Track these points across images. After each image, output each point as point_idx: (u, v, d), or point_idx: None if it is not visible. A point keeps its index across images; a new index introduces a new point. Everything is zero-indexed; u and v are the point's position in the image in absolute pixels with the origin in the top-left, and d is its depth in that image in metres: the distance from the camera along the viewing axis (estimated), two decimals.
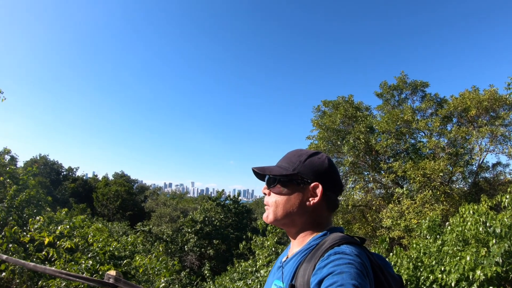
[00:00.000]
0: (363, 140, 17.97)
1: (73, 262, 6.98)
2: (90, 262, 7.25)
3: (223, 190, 28.36)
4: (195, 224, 24.49)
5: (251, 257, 12.23)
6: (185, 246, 23.56)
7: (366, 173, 19.93)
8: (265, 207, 1.61)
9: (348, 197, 18.25)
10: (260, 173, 1.67)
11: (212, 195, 29.81)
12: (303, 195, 1.53)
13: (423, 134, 18.66)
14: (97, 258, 8.09)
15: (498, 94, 16.47)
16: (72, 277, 4.83)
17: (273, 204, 1.56)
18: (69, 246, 7.56)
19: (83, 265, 6.99)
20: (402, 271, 5.26)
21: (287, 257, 1.59)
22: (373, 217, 18.40)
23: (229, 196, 29.10)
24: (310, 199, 1.52)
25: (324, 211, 1.54)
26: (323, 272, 1.24)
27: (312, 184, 1.52)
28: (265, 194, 1.63)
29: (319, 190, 1.51)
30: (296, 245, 1.56)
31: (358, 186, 18.67)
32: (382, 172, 18.18)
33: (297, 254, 1.50)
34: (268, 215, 1.58)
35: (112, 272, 4.61)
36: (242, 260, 14.24)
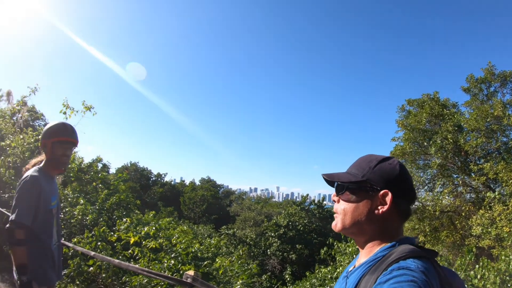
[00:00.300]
0: (451, 140, 16.95)
1: (156, 261, 7.40)
2: (172, 261, 7.61)
3: (307, 195, 28.30)
4: (279, 229, 24.70)
5: (331, 263, 12.14)
6: (268, 250, 23.81)
7: (455, 176, 18.80)
8: (334, 215, 1.58)
9: (436, 202, 17.38)
10: (330, 180, 1.64)
11: (297, 199, 29.89)
12: (372, 203, 1.47)
13: None
14: (179, 258, 8.47)
15: None
16: (152, 275, 5.04)
17: (342, 212, 1.53)
18: (154, 246, 7.98)
19: (165, 264, 7.38)
20: (488, 285, 4.98)
21: (354, 267, 1.55)
22: (462, 224, 17.28)
23: (314, 200, 29.04)
24: (379, 207, 1.46)
25: (394, 220, 1.48)
26: None
27: (382, 192, 1.46)
28: (334, 201, 1.60)
29: (388, 198, 1.44)
30: (364, 255, 1.52)
31: (446, 190, 17.71)
32: (472, 174, 17.10)
33: (362, 265, 1.46)
34: (337, 224, 1.55)
35: (191, 272, 4.76)
36: (322, 266, 14.16)
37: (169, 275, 5.77)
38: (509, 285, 4.95)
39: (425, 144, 18.96)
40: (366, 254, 1.49)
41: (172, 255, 8.40)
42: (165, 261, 7.60)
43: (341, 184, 1.55)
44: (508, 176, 14.25)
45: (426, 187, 19.48)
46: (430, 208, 17.11)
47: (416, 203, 19.10)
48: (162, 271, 6.94)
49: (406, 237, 1.47)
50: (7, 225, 3.05)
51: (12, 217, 3.03)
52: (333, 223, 1.56)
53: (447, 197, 17.99)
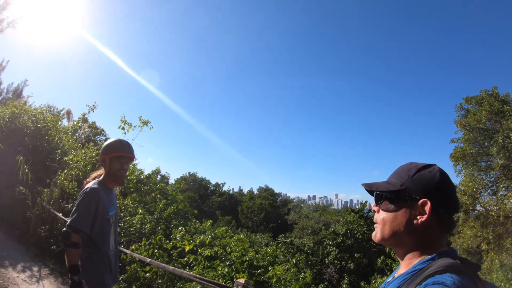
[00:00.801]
0: None
1: (210, 269, 7.64)
2: (226, 269, 7.84)
3: (366, 202, 27.82)
4: (337, 237, 24.39)
5: (388, 273, 11.95)
6: (326, 259, 23.54)
7: None
8: (374, 225, 1.57)
9: (499, 207, 16.50)
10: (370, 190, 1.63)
11: (356, 206, 29.42)
12: (411, 212, 1.44)
13: None
14: (233, 266, 8.69)
15: None
16: (205, 282, 5.17)
17: (381, 222, 1.52)
18: (209, 254, 8.25)
19: (219, 272, 7.62)
20: None
21: (393, 278, 1.53)
22: None
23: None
24: (418, 217, 1.42)
25: (434, 231, 1.43)
26: None
27: (421, 201, 1.42)
28: (374, 211, 1.59)
29: (427, 207, 1.40)
30: (403, 267, 1.48)
31: (511, 193, 16.77)
32: None
33: (400, 276, 1.43)
34: (376, 234, 1.54)
35: (241, 280, 4.83)
36: (379, 276, 13.93)
37: (222, 283, 5.93)
38: None
39: (486, 144, 18.24)
40: (406, 265, 1.47)
41: (227, 263, 8.65)
42: (219, 269, 7.83)
43: (380, 194, 1.55)
44: None
45: (489, 191, 18.54)
46: (493, 213, 16.31)
47: (479, 207, 18.36)
48: (216, 279, 7.20)
49: (448, 249, 1.43)
50: (64, 229, 3.37)
51: (69, 221, 3.35)
52: (373, 234, 1.56)
53: (511, 201, 17.09)
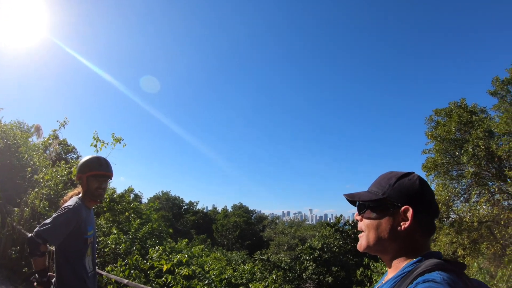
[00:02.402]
0: (483, 147, 16.54)
1: None
2: None
3: (341, 216, 27.99)
4: (314, 252, 24.42)
5: (368, 284, 11.99)
6: (303, 274, 23.50)
7: (490, 184, 18.19)
8: (359, 235, 1.62)
9: (473, 213, 16.91)
10: (352, 200, 1.69)
11: (331, 221, 29.57)
12: (394, 219, 1.50)
13: None
14: (212, 285, 8.57)
15: None
16: None
17: (365, 230, 1.57)
18: (187, 273, 8.13)
19: None
20: None
21: (381, 284, 1.58)
22: (502, 233, 16.73)
23: (348, 221, 28.68)
24: (402, 223, 1.48)
25: (418, 235, 1.48)
26: None
27: (403, 208, 1.48)
28: (357, 220, 1.64)
29: (409, 214, 1.46)
30: (391, 272, 1.53)
31: (483, 199, 17.16)
32: (508, 180, 16.65)
33: (389, 281, 1.47)
34: (361, 243, 1.58)
35: None
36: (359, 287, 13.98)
37: None
38: None
39: (457, 153, 18.63)
40: (393, 270, 1.51)
41: (206, 282, 8.53)
42: (198, 287, 7.70)
43: (363, 203, 1.60)
44: None
45: (461, 198, 19.02)
46: (467, 220, 16.67)
47: (453, 215, 18.81)
48: None
49: (432, 252, 1.48)
50: (31, 235, 3.24)
51: (38, 229, 3.22)
52: (358, 243, 1.60)
53: (484, 207, 17.46)
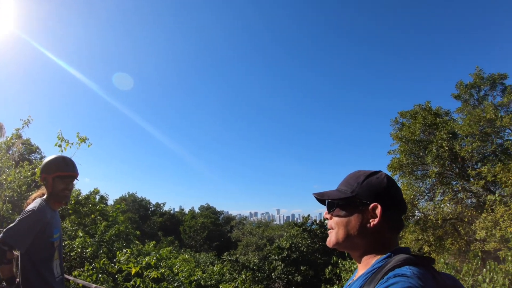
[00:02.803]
0: (446, 148, 17.09)
1: None
2: None
3: (308, 215, 28.09)
4: (282, 251, 24.45)
5: (337, 282, 12.03)
6: (272, 274, 23.50)
7: (454, 183, 18.82)
8: (328, 232, 1.62)
9: (437, 211, 17.39)
10: (321, 199, 1.69)
11: (298, 221, 29.63)
12: (363, 217, 1.51)
13: (510, 132, 17.33)
14: (182, 287, 8.42)
15: None
16: None
17: (335, 227, 1.57)
18: (156, 276, 7.93)
19: None
20: (498, 287, 4.92)
21: (353, 281, 1.58)
22: (466, 230, 17.24)
23: (315, 220, 28.85)
24: (371, 220, 1.49)
25: (386, 232, 1.50)
26: None
27: (371, 205, 1.50)
28: (327, 218, 1.65)
29: (378, 211, 1.48)
30: (361, 269, 1.54)
31: (447, 198, 17.69)
32: (471, 179, 17.17)
33: (360, 277, 1.48)
34: (331, 239, 1.59)
35: None
36: (328, 286, 14.04)
37: None
38: None
39: (421, 154, 19.07)
40: (363, 267, 1.51)
41: (175, 284, 8.38)
42: None
43: (332, 202, 1.61)
44: (507, 177, 14.33)
45: (426, 197, 19.51)
46: (432, 217, 17.10)
47: (418, 213, 19.27)
48: None
49: (401, 248, 1.50)
50: None
51: (2, 235, 3.06)
52: (328, 240, 1.61)
53: (448, 205, 18.01)
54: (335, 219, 1.57)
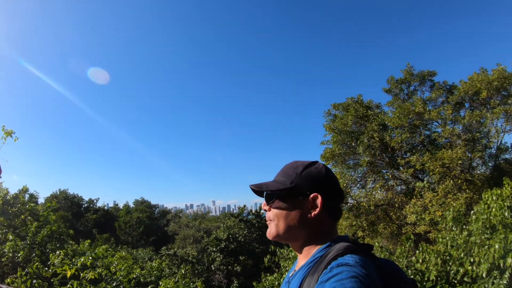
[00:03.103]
0: (377, 139, 17.94)
1: None
2: None
3: (244, 206, 28.08)
4: (220, 243, 24.38)
5: (276, 270, 12.13)
6: (212, 266, 23.41)
7: (384, 171, 19.85)
8: (268, 223, 1.58)
9: (369, 198, 18.14)
10: (259, 190, 1.63)
11: (234, 211, 29.67)
12: (303, 207, 1.50)
13: (437, 124, 18.59)
14: (121, 286, 8.12)
15: (507, 72, 16.35)
16: None
17: (275, 219, 1.53)
18: (93, 277, 7.56)
19: None
20: (431, 267, 5.11)
21: (294, 271, 1.54)
22: (397, 215, 18.30)
23: (251, 210, 29.00)
24: (312, 210, 1.49)
25: (326, 221, 1.51)
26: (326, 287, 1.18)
27: (312, 196, 1.49)
28: (265, 210, 1.60)
29: (319, 201, 1.48)
30: (302, 259, 1.52)
31: (378, 185, 18.69)
32: (400, 168, 18.13)
33: (302, 268, 1.46)
34: (270, 231, 1.55)
35: None
36: (268, 274, 14.16)
37: None
38: (450, 263, 5.18)
39: (353, 144, 19.73)
40: (305, 257, 1.50)
41: (114, 284, 8.09)
42: None
43: (271, 193, 1.56)
44: (434, 165, 15.27)
45: (358, 185, 20.38)
46: (364, 204, 17.85)
47: (351, 200, 19.99)
48: None
49: (340, 236, 1.52)
50: None
51: None
52: (268, 231, 1.57)
53: (379, 192, 18.95)
54: (275, 210, 1.54)
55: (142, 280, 9.99)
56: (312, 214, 1.48)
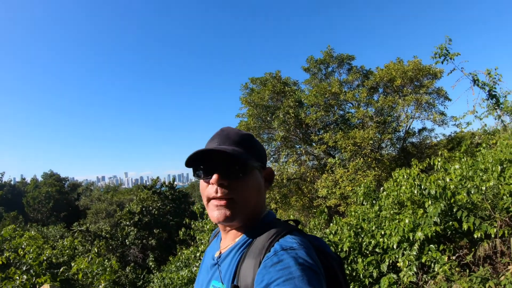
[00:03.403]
0: (292, 115, 18.22)
1: (7, 280, 6.54)
2: (25, 276, 6.81)
3: (157, 177, 27.64)
4: (133, 216, 23.95)
5: (192, 243, 12.11)
6: (126, 240, 22.97)
7: (298, 146, 20.38)
8: (218, 202, 1.30)
9: (282, 171, 18.50)
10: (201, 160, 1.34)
11: (147, 183, 29.06)
12: (259, 181, 1.38)
13: (351, 105, 19.28)
14: (31, 270, 7.65)
15: (422, 65, 17.26)
16: None
17: (238, 197, 1.30)
18: (0, 262, 7.06)
19: (18, 281, 6.57)
20: (344, 239, 5.31)
21: (220, 252, 1.40)
22: (309, 189, 18.92)
23: (164, 182, 28.61)
24: (265, 185, 1.42)
25: (265, 194, 1.44)
26: (271, 275, 1.08)
27: (268, 169, 1.43)
28: (220, 184, 1.29)
29: (272, 175, 1.44)
30: (230, 238, 1.39)
31: (291, 160, 19.05)
32: (313, 144, 18.67)
33: (233, 248, 1.34)
34: (228, 212, 1.29)
35: (46, 286, 4.29)
36: (184, 247, 14.11)
37: None
38: (362, 235, 5.35)
39: (268, 119, 19.89)
40: (233, 236, 1.39)
41: (24, 269, 7.57)
42: (17, 277, 6.76)
43: (243, 164, 1.32)
44: (346, 143, 15.96)
45: (272, 159, 20.57)
46: (277, 177, 18.10)
47: None
48: None
49: (269, 210, 1.45)
50: None
51: None
52: (218, 213, 1.30)
53: (292, 166, 19.39)
54: (234, 184, 1.30)
55: (54, 261, 9.55)
56: (265, 189, 1.42)
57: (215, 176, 1.28)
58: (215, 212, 1.30)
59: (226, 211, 1.29)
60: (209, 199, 1.33)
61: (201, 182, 1.36)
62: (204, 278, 1.42)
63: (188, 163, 1.35)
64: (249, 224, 1.36)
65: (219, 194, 1.29)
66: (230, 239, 1.39)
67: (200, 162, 1.34)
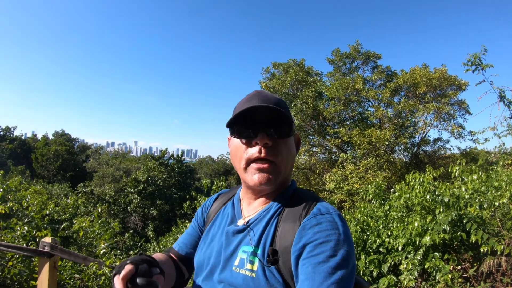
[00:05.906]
0: (311, 105, 18.01)
1: (7, 230, 6.13)
2: (26, 228, 6.39)
3: (166, 149, 27.47)
4: (138, 184, 23.85)
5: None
6: (128, 207, 22.87)
7: (311, 137, 20.11)
8: (260, 165, 1.19)
9: None
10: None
11: (156, 154, 28.87)
12: (294, 147, 1.30)
13: (371, 104, 18.96)
14: (33, 223, 7.23)
15: (447, 74, 16.88)
16: (3, 247, 4.22)
17: (281, 159, 1.20)
18: (3, 211, 6.62)
19: (19, 232, 6.17)
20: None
21: (248, 217, 1.27)
22: (317, 181, 18.82)
23: (173, 155, 28.34)
24: (296, 151, 1.34)
25: None
26: (309, 236, 1.05)
27: (296, 136, 1.34)
28: (267, 144, 1.18)
29: (299, 142, 1.37)
30: (259, 203, 1.28)
31: (303, 149, 18.92)
32: (327, 137, 18.49)
33: (266, 213, 1.22)
34: (273, 175, 1.19)
35: (48, 239, 4.08)
36: (186, 221, 13.69)
37: (24, 246, 5.11)
38: (368, 233, 5.35)
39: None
40: (262, 201, 1.28)
41: (26, 220, 7.14)
42: (18, 228, 6.34)
43: (290, 124, 1.23)
44: (361, 140, 15.65)
45: None
46: None
47: None
48: (16, 241, 5.86)
49: (293, 180, 1.37)
50: None
51: None
52: (260, 176, 1.19)
53: (303, 156, 19.05)
54: (285, 146, 1.22)
55: (56, 217, 9.13)
56: (297, 154, 1.36)
57: (262, 135, 1.18)
58: (255, 175, 1.20)
59: (269, 175, 1.19)
60: (248, 162, 1.22)
61: (237, 144, 1.25)
62: (226, 244, 1.25)
63: (231, 122, 1.23)
64: (281, 189, 1.28)
65: (263, 155, 1.19)
66: (258, 204, 1.29)
67: (241, 121, 1.23)
